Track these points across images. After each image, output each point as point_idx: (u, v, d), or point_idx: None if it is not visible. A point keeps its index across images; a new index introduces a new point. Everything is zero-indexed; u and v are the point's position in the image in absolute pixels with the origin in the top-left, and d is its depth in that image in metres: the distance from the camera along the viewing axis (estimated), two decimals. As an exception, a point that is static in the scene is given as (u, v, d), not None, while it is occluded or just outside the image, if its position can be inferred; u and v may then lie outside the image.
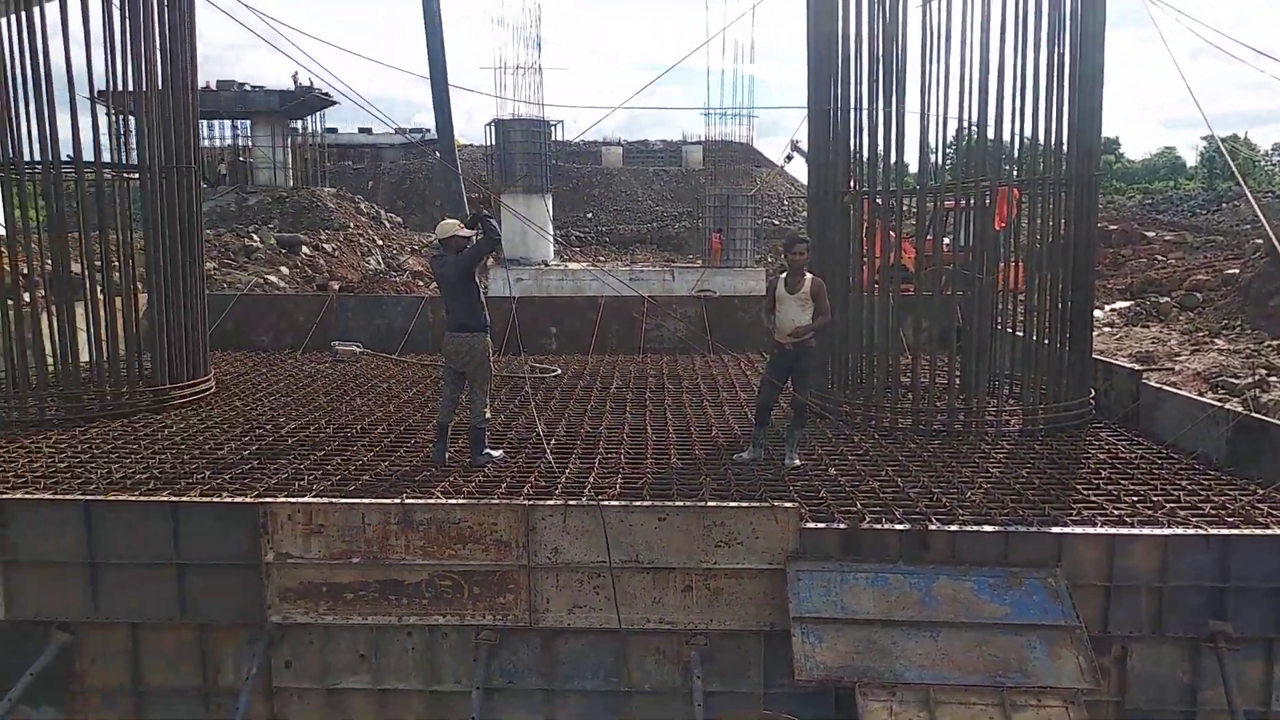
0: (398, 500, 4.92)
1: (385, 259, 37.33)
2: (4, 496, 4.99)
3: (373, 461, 7.09)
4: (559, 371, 11.42)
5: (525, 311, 13.44)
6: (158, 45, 8.46)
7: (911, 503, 5.97)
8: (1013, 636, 4.55)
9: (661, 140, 71.29)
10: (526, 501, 4.96)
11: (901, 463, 7.16)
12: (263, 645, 4.95)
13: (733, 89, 56.97)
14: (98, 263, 8.73)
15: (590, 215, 60.01)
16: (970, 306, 8.41)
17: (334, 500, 4.97)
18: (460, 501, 4.97)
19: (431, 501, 4.99)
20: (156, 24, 8.44)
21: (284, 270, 25.63)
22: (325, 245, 32.31)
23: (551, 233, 36.75)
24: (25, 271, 8.98)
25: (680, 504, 4.94)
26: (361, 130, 67.16)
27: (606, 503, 4.90)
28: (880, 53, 8.09)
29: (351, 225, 40.04)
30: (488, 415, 7.27)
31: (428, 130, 70.03)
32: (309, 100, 42.09)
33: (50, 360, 8.73)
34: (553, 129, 34.50)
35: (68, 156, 8.35)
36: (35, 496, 5.15)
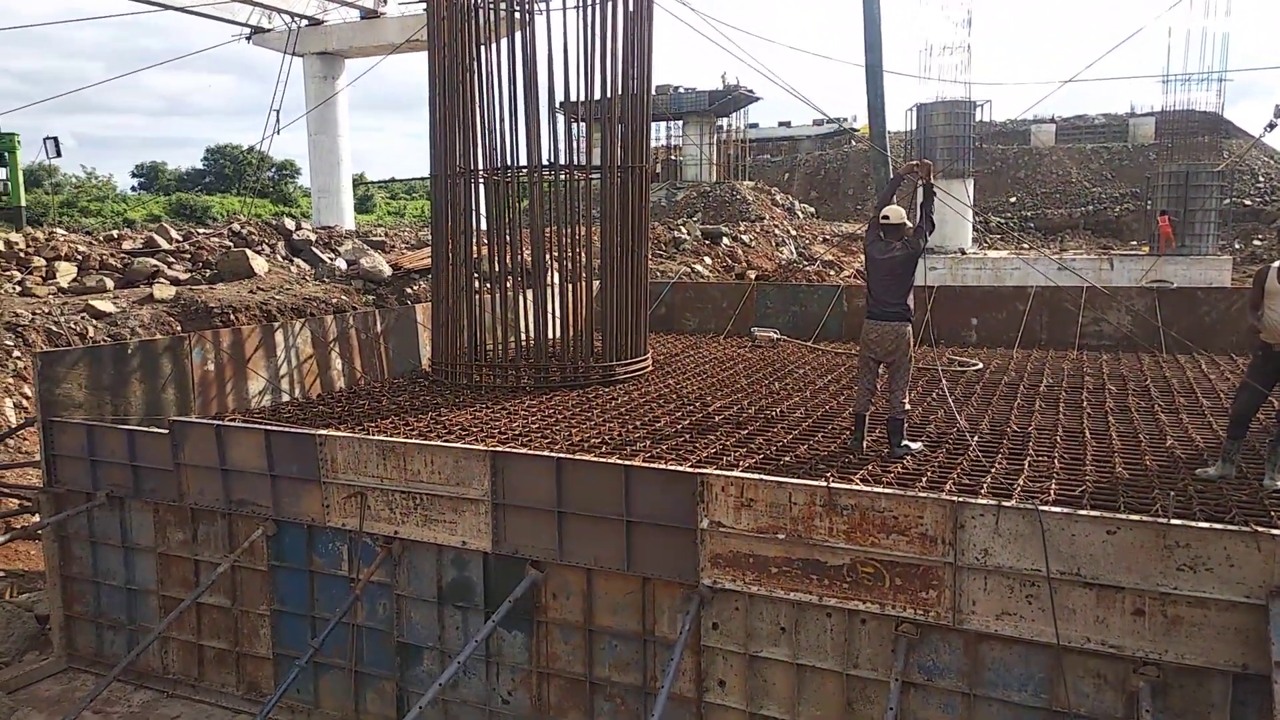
0: (824, 483, 5.03)
1: (798, 249, 38.12)
2: (499, 450, 5.95)
3: (793, 444, 7.33)
4: (980, 365, 10.85)
5: (943, 301, 12.97)
6: (621, 59, 9.46)
7: None
8: None
9: (1103, 114, 64.06)
10: (956, 497, 4.80)
11: None
12: (695, 605, 5.37)
13: (1200, 50, 49.02)
14: (559, 253, 10.03)
15: (1014, 199, 55.78)
16: None
17: (764, 477, 5.22)
18: (886, 491, 4.96)
19: (857, 488, 5.03)
20: (621, 40, 9.44)
21: (707, 260, 27.28)
22: (743, 236, 33.82)
23: (970, 219, 34.85)
24: (507, 261, 10.57)
25: (1136, 518, 4.45)
26: (781, 124, 69.15)
27: (1046, 508, 4.57)
28: None
29: (767, 217, 41.48)
30: (907, 406, 7.16)
31: (846, 119, 70.23)
32: (736, 98, 44.30)
33: (525, 338, 10.23)
34: (978, 109, 32.59)
35: (548, 160, 9.68)
36: (520, 451, 6.07)
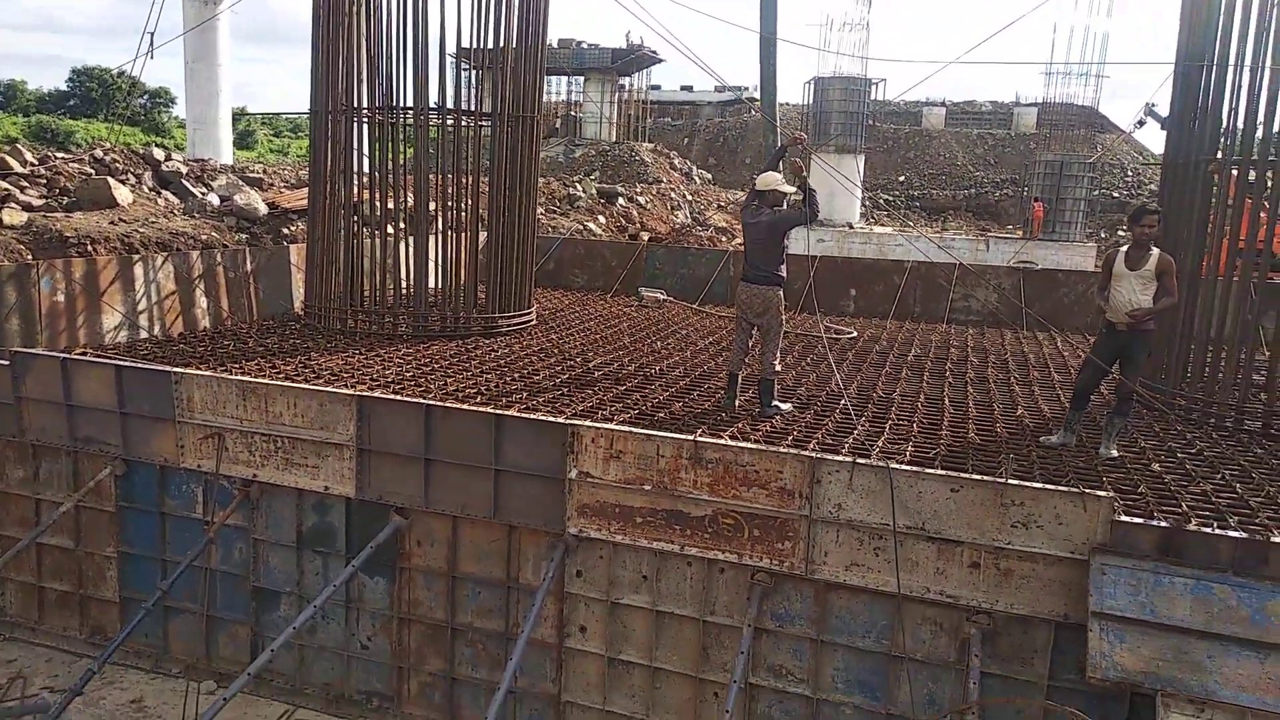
0: (691, 438, 5.12)
1: (693, 214, 38.39)
2: (366, 394, 5.82)
3: (668, 401, 7.42)
4: (854, 334, 11.21)
5: (825, 271, 13.30)
6: (517, 7, 9.24)
7: (1251, 512, 5.26)
8: (1368, 680, 3.90)
9: (990, 101, 66.47)
10: (814, 454, 4.96)
11: (1243, 468, 6.30)
12: (560, 553, 5.41)
13: (1081, 45, 51.35)
14: (447, 201, 9.79)
15: (903, 179, 57.52)
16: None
17: (633, 430, 5.27)
18: (750, 446, 5.08)
19: (722, 442, 5.14)
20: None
21: (600, 219, 27.16)
22: (639, 198, 33.79)
23: (859, 195, 35.74)
24: (390, 206, 10.25)
25: (978, 478, 4.70)
26: (683, 88, 69.08)
27: (897, 466, 4.78)
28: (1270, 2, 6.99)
29: (664, 180, 41.51)
30: (777, 368, 7.34)
31: (746, 89, 70.73)
32: (640, 58, 43.97)
33: (405, 285, 9.98)
34: (874, 87, 33.34)
35: (435, 104, 9.39)
36: (389, 397, 5.95)
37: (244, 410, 6.00)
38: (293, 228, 15.76)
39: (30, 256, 12.12)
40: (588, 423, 5.43)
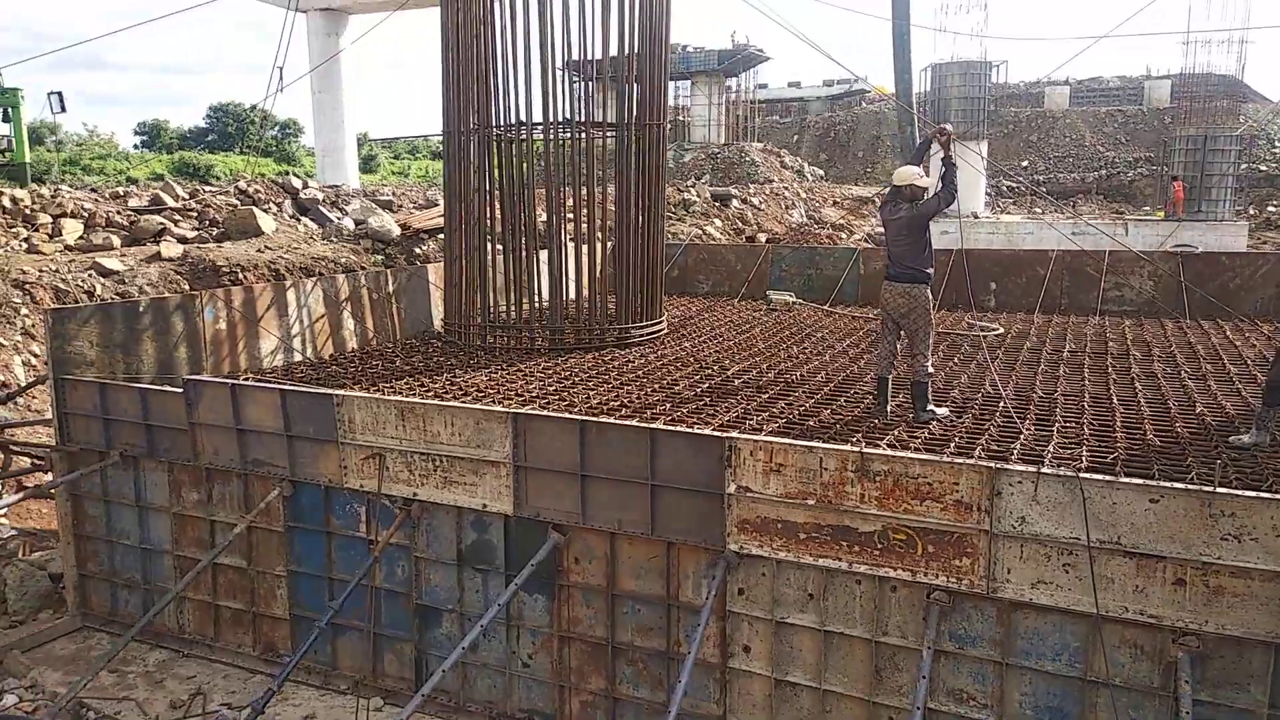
0: (856, 449, 4.92)
1: (808, 212, 37.77)
2: (520, 411, 5.84)
3: (815, 408, 7.22)
4: (1000, 330, 10.70)
5: (962, 265, 12.77)
6: (639, 11, 9.21)
7: None
8: None
9: (1118, 76, 63.06)
10: (993, 464, 4.68)
11: None
12: (721, 570, 5.28)
13: (1220, 10, 47.98)
14: (581, 213, 9.83)
15: (1025, 164, 55.12)
16: None
17: (794, 442, 5.11)
18: (921, 456, 4.84)
19: (891, 453, 4.92)
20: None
21: (717, 222, 27.00)
22: (753, 199, 33.47)
23: (983, 182, 34.41)
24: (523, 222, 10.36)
25: (1180, 486, 4.34)
26: (790, 84, 68.19)
27: (1087, 475, 4.46)
28: None
29: (776, 179, 41.00)
30: (930, 370, 7.03)
31: (863, 77, 69.18)
32: (745, 57, 43.65)
33: (539, 299, 10.08)
34: (994, 70, 32.05)
35: (564, 117, 9.45)
36: (543, 413, 5.96)
37: (403, 430, 6.11)
38: (424, 247, 16.24)
39: (188, 286, 12.85)
40: (745, 435, 5.29)
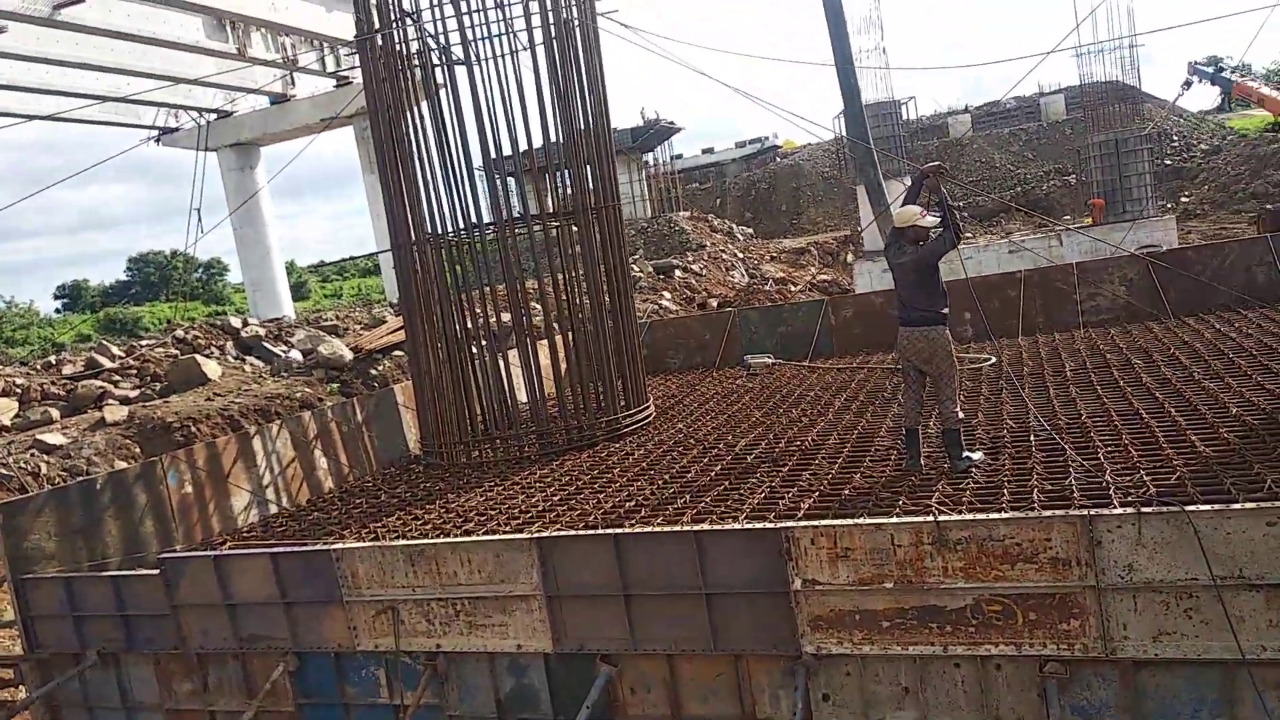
0: (929, 518, 4.47)
1: (748, 270, 38.02)
2: (545, 536, 5.29)
3: (843, 474, 6.77)
4: (993, 359, 10.44)
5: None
6: (580, 95, 8.98)
7: None
8: None
9: (1013, 98, 65.61)
10: (1085, 511, 4.27)
11: None
12: (801, 677, 4.74)
13: (1107, 22, 50.05)
14: (548, 308, 9.42)
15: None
16: None
17: (859, 521, 4.65)
18: (1004, 516, 4.41)
19: (969, 517, 4.48)
20: (577, 82, 8.95)
21: (667, 295, 26.87)
22: (693, 266, 33.54)
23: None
24: (491, 323, 9.89)
25: (1300, 505, 3.97)
26: (705, 151, 69.58)
27: (1193, 508, 4.07)
28: None
29: (709, 244, 41.31)
30: (959, 414, 6.66)
31: (764, 139, 70.93)
32: (659, 130, 44.30)
33: (517, 403, 9.56)
34: (903, 108, 32.92)
35: (518, 213, 9.10)
36: (570, 534, 5.41)
37: (415, 577, 5.50)
38: (379, 368, 15.63)
39: (139, 450, 12.03)
40: (803, 522, 4.81)
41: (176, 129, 31.00)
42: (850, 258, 40.61)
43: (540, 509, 7.12)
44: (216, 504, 8.05)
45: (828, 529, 4.67)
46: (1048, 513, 4.35)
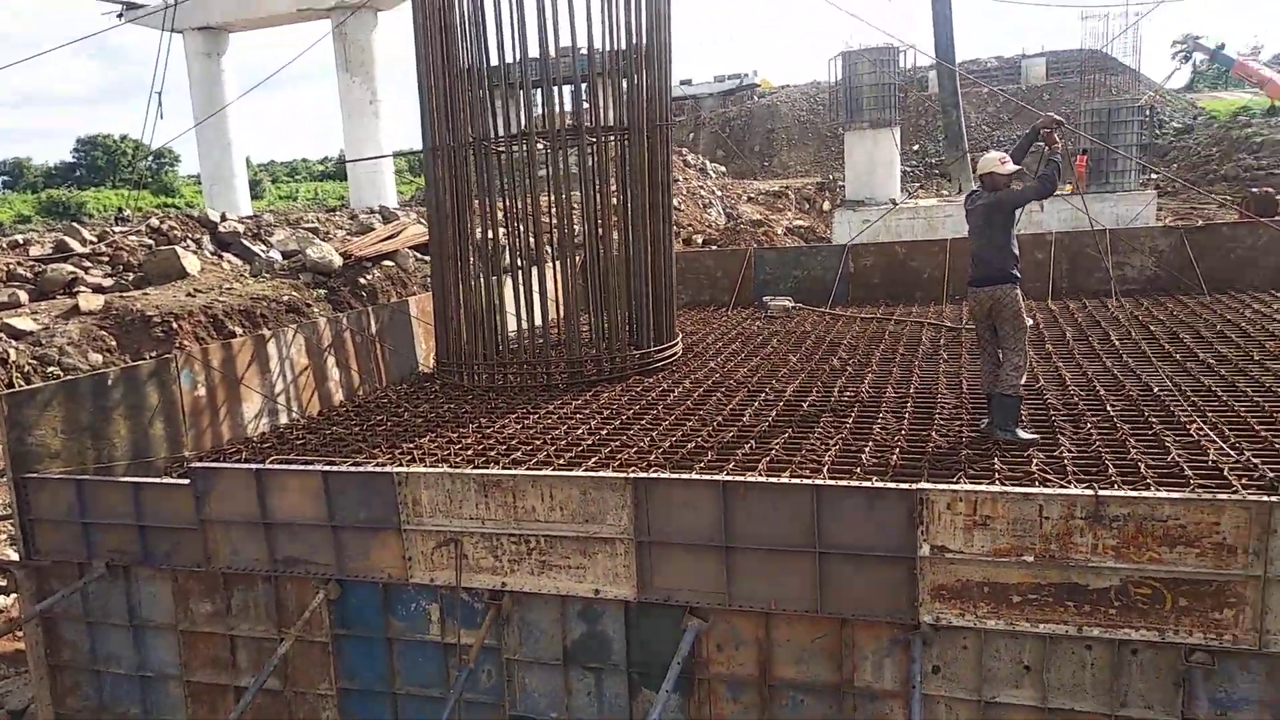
0: (1089, 491, 4.14)
1: (725, 210, 37.44)
2: (642, 476, 4.84)
3: (917, 433, 6.42)
4: (1031, 322, 10.16)
5: (957, 257, 12.27)
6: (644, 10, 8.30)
7: None
8: None
9: (995, 57, 65.25)
10: (1263, 497, 3.98)
11: None
12: (917, 647, 4.44)
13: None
14: (594, 226, 8.83)
15: (916, 147, 56.32)
16: None
17: (1005, 489, 4.30)
18: (1173, 495, 4.09)
19: (1132, 494, 4.16)
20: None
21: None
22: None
23: (898, 169, 34.62)
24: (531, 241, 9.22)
25: None
26: (682, 82, 67.95)
27: (1386, 502, 3.80)
28: None
29: (682, 178, 40.49)
30: (1019, 380, 6.24)
31: (744, 75, 69.64)
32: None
33: (546, 327, 9.03)
34: (902, 55, 32.27)
35: (571, 123, 8.44)
36: (673, 476, 4.97)
37: (485, 509, 5.04)
38: (369, 277, 14.85)
39: (115, 342, 11.22)
40: (941, 485, 4.45)
41: (143, 5, 29.03)
42: (827, 205, 40.26)
43: (591, 443, 6.67)
44: (229, 409, 7.43)
45: (967, 494, 4.32)
46: (1221, 495, 4.04)
